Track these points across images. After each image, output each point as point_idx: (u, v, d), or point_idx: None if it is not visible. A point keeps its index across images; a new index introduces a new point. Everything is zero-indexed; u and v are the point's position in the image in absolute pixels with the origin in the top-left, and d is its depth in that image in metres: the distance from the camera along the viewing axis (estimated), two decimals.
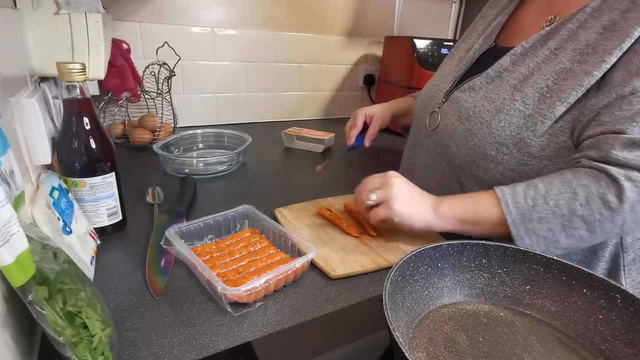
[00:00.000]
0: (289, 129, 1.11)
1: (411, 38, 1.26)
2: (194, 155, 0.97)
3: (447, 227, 0.55)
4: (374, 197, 0.56)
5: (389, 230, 0.62)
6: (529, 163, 0.56)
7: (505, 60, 0.61)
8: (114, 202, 0.56)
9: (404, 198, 0.55)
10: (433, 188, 0.72)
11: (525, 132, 0.56)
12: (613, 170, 0.47)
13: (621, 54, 0.49)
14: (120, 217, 0.58)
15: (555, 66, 0.55)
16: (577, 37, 0.55)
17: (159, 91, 1.04)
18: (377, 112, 0.86)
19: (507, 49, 0.62)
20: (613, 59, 0.50)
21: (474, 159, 0.61)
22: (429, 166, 0.73)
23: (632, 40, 0.49)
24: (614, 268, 0.61)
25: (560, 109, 0.53)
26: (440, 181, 0.70)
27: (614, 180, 0.47)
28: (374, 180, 0.59)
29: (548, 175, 0.52)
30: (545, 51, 0.57)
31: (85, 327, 0.33)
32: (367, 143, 0.84)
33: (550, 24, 0.60)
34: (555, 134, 0.54)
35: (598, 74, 0.50)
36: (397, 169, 0.86)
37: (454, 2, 1.65)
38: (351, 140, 0.84)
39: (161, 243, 0.52)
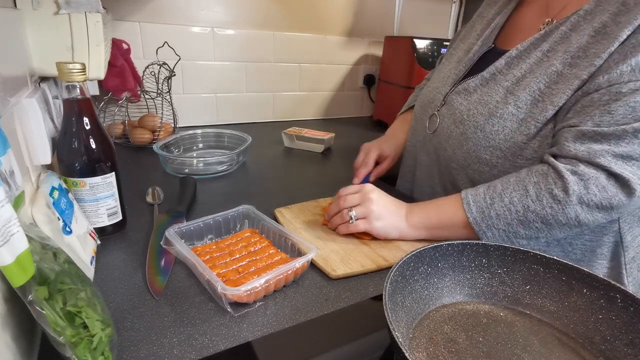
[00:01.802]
0: (289, 129, 1.11)
1: (411, 38, 1.26)
2: (194, 155, 0.97)
3: (417, 235, 0.58)
4: (354, 214, 0.58)
5: None
6: (523, 165, 0.57)
7: (500, 63, 0.62)
8: (114, 202, 0.56)
9: (381, 212, 0.58)
10: (436, 190, 0.73)
11: (519, 137, 0.56)
12: (560, 166, 0.50)
13: (608, 57, 0.50)
14: (120, 217, 0.58)
15: (547, 69, 0.55)
16: (568, 39, 0.55)
17: (159, 91, 1.04)
18: (392, 153, 0.82)
19: (505, 51, 0.62)
20: (601, 62, 0.50)
21: (469, 162, 0.62)
22: (430, 168, 0.73)
23: (619, 44, 0.49)
24: (616, 267, 0.61)
25: (552, 112, 0.54)
26: (441, 183, 0.71)
27: (559, 175, 0.50)
28: (352, 196, 0.60)
29: (510, 174, 0.55)
30: (538, 53, 0.58)
31: (85, 327, 0.33)
32: (372, 179, 0.80)
33: (546, 27, 0.60)
34: (546, 135, 0.55)
35: (586, 77, 0.51)
36: (397, 170, 0.86)
37: (454, 2, 1.65)
38: (359, 180, 0.78)
39: (161, 243, 0.52)
